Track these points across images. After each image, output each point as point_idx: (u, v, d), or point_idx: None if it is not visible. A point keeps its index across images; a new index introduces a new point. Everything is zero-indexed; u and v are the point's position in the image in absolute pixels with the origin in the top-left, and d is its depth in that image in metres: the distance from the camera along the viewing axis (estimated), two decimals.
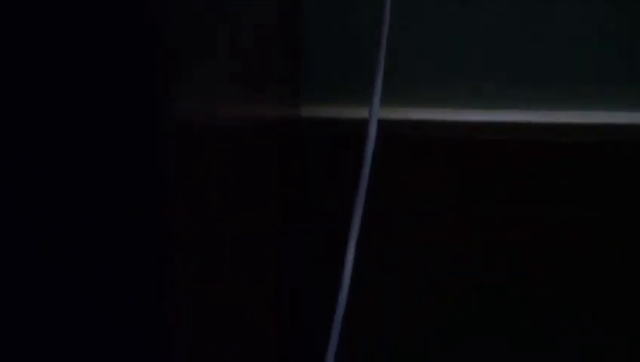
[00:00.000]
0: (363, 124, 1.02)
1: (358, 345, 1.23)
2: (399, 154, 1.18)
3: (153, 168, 0.58)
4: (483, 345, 1.23)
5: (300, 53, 1.19)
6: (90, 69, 0.55)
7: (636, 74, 1.17)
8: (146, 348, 0.56)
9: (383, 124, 1.05)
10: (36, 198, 0.55)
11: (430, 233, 1.21)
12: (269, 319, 1.04)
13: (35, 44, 0.55)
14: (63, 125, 0.55)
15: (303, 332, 1.23)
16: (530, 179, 1.19)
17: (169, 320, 0.58)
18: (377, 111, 1.01)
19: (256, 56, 0.91)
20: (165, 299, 0.57)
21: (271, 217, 1.02)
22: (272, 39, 1.00)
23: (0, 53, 0.55)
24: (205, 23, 0.68)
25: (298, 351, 1.21)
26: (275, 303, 1.07)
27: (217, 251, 0.74)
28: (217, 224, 0.75)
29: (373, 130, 1.02)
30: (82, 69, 0.55)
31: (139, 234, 0.55)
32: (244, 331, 0.87)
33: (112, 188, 0.55)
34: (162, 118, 0.59)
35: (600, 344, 1.22)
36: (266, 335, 1.01)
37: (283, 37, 1.07)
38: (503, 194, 1.19)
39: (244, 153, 0.89)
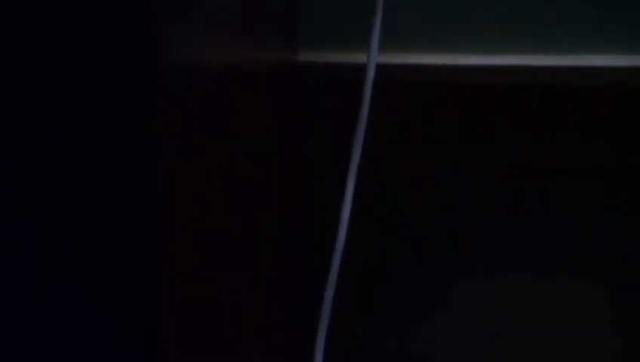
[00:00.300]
0: (361, 68, 1.01)
1: (355, 281, 1.24)
2: (397, 99, 1.18)
3: (146, 125, 0.57)
4: (481, 286, 1.23)
5: None
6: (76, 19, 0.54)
7: (637, 17, 1.16)
8: (146, 349, 0.56)
9: (381, 68, 1.04)
10: (36, 198, 0.54)
11: (428, 178, 1.21)
12: (269, 310, 1.04)
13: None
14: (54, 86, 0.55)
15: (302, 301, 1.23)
16: (530, 123, 1.18)
17: (169, 319, 0.57)
18: (375, 56, 1.01)
19: (252, 0, 0.90)
20: (165, 298, 0.57)
21: (269, 163, 1.02)
22: None
23: None
24: None
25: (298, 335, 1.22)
26: (274, 280, 1.07)
27: (213, 210, 0.74)
28: (214, 176, 0.75)
29: (371, 75, 1.01)
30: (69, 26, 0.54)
31: (137, 230, 0.55)
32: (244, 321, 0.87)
33: (108, 168, 0.55)
34: (154, 64, 0.58)
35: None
36: (266, 329, 1.01)
37: None
38: (502, 139, 1.19)
39: (241, 99, 0.89)
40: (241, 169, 0.87)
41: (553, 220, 1.21)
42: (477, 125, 1.19)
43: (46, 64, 0.55)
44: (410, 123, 1.19)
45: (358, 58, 1.13)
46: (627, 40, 1.17)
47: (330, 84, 1.18)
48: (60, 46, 0.55)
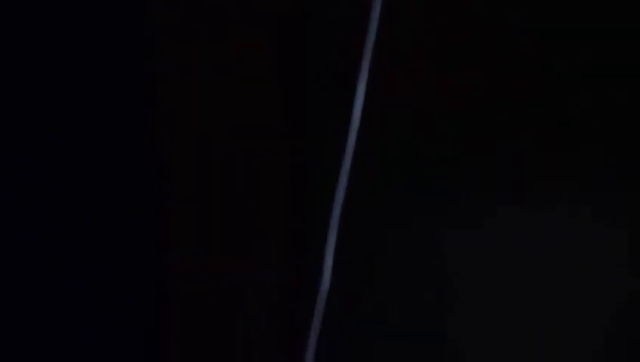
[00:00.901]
0: None
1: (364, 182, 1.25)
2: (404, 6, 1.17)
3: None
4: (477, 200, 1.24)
5: None
6: None
7: None
8: (146, 349, 0.57)
9: None
10: (36, 198, 0.54)
11: (439, 75, 1.20)
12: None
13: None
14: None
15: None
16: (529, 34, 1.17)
17: (168, 318, 0.57)
18: None
19: None
20: (165, 297, 0.57)
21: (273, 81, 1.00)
22: None
23: None
24: None
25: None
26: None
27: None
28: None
29: None
30: None
31: (138, 229, 0.55)
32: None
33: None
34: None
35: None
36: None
37: None
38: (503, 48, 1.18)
39: (242, 19, 0.88)
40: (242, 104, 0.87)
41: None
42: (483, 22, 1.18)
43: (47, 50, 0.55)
44: (419, 29, 1.18)
45: None
46: None
47: None
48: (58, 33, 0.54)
